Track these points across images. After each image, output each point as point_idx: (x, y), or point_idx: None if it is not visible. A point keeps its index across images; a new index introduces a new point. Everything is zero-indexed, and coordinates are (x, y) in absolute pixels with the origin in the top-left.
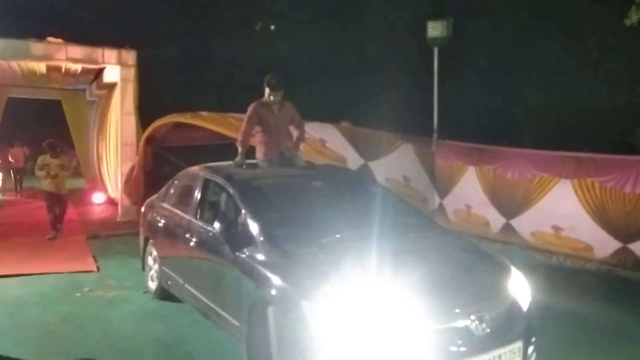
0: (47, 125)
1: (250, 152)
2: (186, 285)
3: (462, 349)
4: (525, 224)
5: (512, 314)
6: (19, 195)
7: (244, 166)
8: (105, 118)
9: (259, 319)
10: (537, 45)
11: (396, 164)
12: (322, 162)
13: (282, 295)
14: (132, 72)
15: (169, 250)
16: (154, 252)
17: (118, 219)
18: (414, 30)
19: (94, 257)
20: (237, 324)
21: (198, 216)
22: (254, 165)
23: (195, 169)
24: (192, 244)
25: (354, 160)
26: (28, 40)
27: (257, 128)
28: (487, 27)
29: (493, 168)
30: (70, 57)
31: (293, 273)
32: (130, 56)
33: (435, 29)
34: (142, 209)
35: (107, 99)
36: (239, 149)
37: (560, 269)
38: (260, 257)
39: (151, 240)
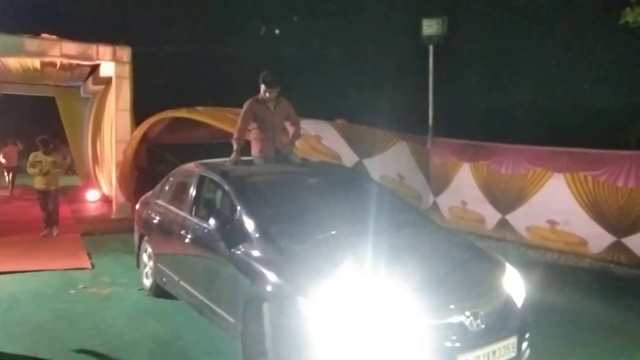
0: (41, 122)
1: (245, 149)
2: (181, 282)
3: (457, 344)
4: (521, 218)
5: (506, 310)
6: (10, 193)
7: (239, 163)
8: (100, 115)
9: (254, 315)
10: (531, 43)
11: (391, 161)
12: (317, 159)
13: (278, 292)
14: (127, 69)
15: (164, 247)
16: (149, 249)
17: (112, 217)
18: (409, 28)
19: (88, 254)
20: (232, 320)
21: (193, 213)
22: (250, 162)
23: (190, 165)
24: (187, 240)
25: (348, 158)
26: (22, 37)
27: (253, 125)
28: (483, 24)
29: (487, 164)
30: (64, 53)
31: (288, 269)
32: (125, 53)
33: (430, 27)
34: (137, 206)
35: (102, 95)
36: (234, 146)
37: (554, 266)
38: (256, 253)
39: (146, 237)
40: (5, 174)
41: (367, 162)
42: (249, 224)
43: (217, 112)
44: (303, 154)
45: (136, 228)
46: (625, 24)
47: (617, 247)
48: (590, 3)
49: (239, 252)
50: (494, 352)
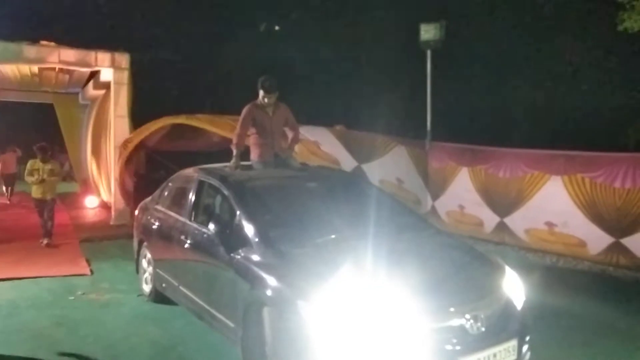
0: (40, 129)
1: (244, 155)
2: (181, 288)
3: (457, 347)
4: (519, 221)
5: (506, 312)
6: (9, 200)
7: (238, 168)
8: (102, 120)
9: (254, 319)
10: (529, 47)
11: (389, 166)
12: (317, 164)
13: (278, 296)
14: (125, 75)
15: (164, 253)
16: (148, 255)
17: (111, 223)
18: (406, 33)
19: (87, 261)
20: (232, 325)
21: (192, 218)
22: (249, 167)
23: (189, 170)
24: (186, 245)
25: (347, 163)
26: (20, 43)
27: (252, 130)
28: (480, 29)
29: (485, 168)
30: (63, 60)
31: (288, 273)
32: (123, 59)
33: (428, 32)
34: (136, 211)
35: (104, 100)
36: (234, 151)
37: (553, 269)
38: (255, 257)
39: (145, 243)
40: (3, 182)
41: (366, 167)
42: (249, 229)
43: (216, 119)
44: (302, 159)
45: (135, 234)
46: (625, 30)
47: (616, 247)
48: (588, 7)
49: (239, 257)
50: (494, 355)
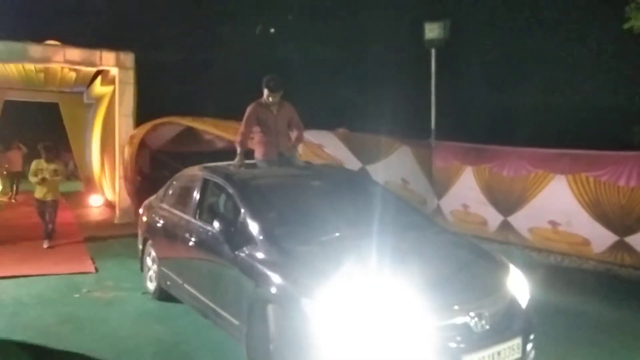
0: (45, 128)
1: (249, 153)
2: (185, 285)
3: (462, 345)
4: (523, 220)
5: (511, 310)
6: (13, 199)
7: (243, 166)
8: (108, 120)
9: (259, 317)
10: (534, 45)
11: (394, 166)
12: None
13: (282, 293)
14: (130, 75)
15: (168, 251)
16: (153, 253)
17: (116, 221)
18: (411, 32)
19: (92, 259)
20: (236, 322)
21: (197, 216)
22: (253, 165)
23: (194, 169)
24: (191, 243)
25: (351, 164)
26: (26, 43)
27: (256, 128)
28: (485, 27)
29: (490, 167)
30: (68, 59)
31: (293, 271)
32: (128, 58)
33: (432, 31)
34: (140, 210)
35: (111, 99)
36: (238, 150)
37: (558, 268)
38: (260, 255)
39: (150, 241)
40: (9, 180)
41: (371, 168)
42: (253, 227)
43: (221, 122)
44: (306, 159)
45: (140, 232)
46: (629, 29)
47: (620, 246)
48: (593, 5)
49: (243, 255)
50: (498, 353)
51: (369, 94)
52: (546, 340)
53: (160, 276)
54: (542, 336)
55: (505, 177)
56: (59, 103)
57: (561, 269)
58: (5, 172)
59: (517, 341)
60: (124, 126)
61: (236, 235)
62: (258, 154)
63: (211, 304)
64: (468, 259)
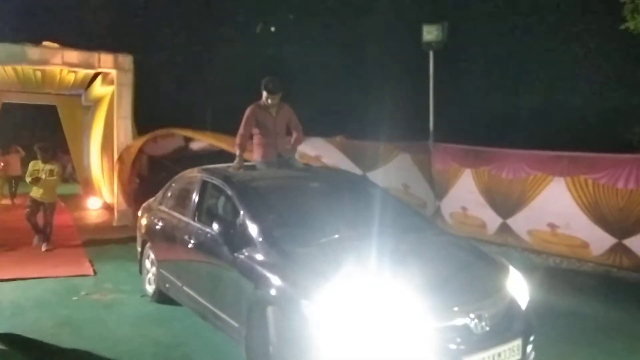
0: (43, 130)
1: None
2: (184, 288)
3: (462, 347)
4: (522, 222)
5: (510, 312)
6: (12, 202)
7: (242, 168)
8: (110, 121)
9: (258, 319)
10: (532, 47)
11: (395, 172)
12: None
13: (282, 295)
14: (128, 77)
15: (167, 253)
16: (152, 255)
17: (114, 224)
18: (409, 34)
19: (91, 261)
20: (236, 325)
21: (196, 218)
22: (252, 167)
23: (193, 171)
24: (190, 246)
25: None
26: (24, 45)
27: (255, 130)
28: (483, 30)
29: (488, 169)
30: (66, 61)
31: (292, 273)
32: (126, 60)
33: (430, 33)
34: (139, 212)
35: (111, 101)
36: (237, 152)
37: (557, 270)
38: (259, 257)
39: (148, 243)
40: (7, 183)
41: (371, 175)
42: (253, 228)
43: (221, 136)
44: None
45: (138, 234)
46: (626, 30)
47: (619, 248)
48: (592, 5)
49: (243, 257)
50: (499, 355)
51: (366, 96)
52: (546, 342)
53: (159, 278)
54: (542, 337)
55: (504, 180)
56: (57, 105)
57: (560, 271)
58: (3, 176)
59: (517, 342)
60: (123, 128)
61: (235, 237)
62: (257, 155)
63: (210, 306)
64: (467, 261)
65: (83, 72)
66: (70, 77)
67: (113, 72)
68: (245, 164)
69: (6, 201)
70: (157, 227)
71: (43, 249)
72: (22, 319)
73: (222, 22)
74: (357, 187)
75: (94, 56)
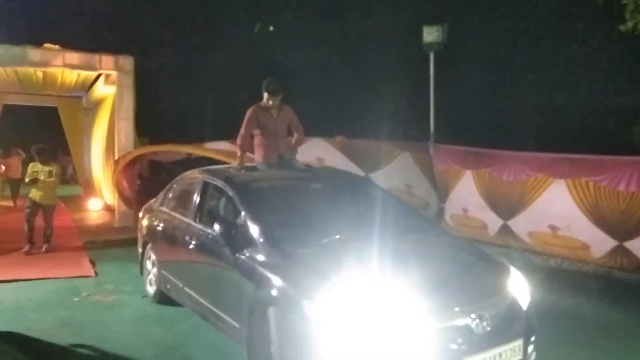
0: (44, 132)
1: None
2: (185, 289)
3: (463, 347)
4: (522, 224)
5: (511, 312)
6: (13, 204)
7: (243, 169)
8: (110, 123)
9: (260, 320)
10: (533, 48)
11: (397, 172)
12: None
13: (283, 296)
14: (129, 79)
15: (168, 254)
16: (153, 256)
17: (115, 225)
18: (409, 35)
19: (92, 262)
20: (237, 325)
21: (197, 219)
22: (253, 168)
23: (194, 172)
24: (191, 246)
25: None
26: (25, 47)
27: (256, 131)
28: (483, 31)
29: (489, 171)
30: (67, 63)
31: (294, 273)
32: (127, 62)
33: (430, 34)
34: (140, 213)
35: (112, 103)
36: (238, 153)
37: (558, 271)
38: (261, 258)
39: (150, 244)
40: (9, 186)
41: (374, 176)
42: (254, 229)
43: (222, 150)
44: None
45: (140, 235)
46: (626, 31)
47: (620, 250)
48: (591, 5)
49: (244, 257)
50: (500, 355)
51: (367, 97)
52: (547, 342)
53: (160, 279)
54: (543, 338)
55: (505, 182)
56: (57, 107)
57: (561, 272)
58: (4, 179)
59: (518, 343)
60: (124, 130)
61: (237, 238)
62: (258, 156)
63: (211, 307)
64: (468, 261)
65: (84, 74)
66: (72, 79)
67: (114, 74)
68: (247, 164)
69: (8, 203)
70: (158, 228)
71: (43, 249)
72: (23, 320)
73: (222, 22)
74: (358, 188)
75: (95, 58)
